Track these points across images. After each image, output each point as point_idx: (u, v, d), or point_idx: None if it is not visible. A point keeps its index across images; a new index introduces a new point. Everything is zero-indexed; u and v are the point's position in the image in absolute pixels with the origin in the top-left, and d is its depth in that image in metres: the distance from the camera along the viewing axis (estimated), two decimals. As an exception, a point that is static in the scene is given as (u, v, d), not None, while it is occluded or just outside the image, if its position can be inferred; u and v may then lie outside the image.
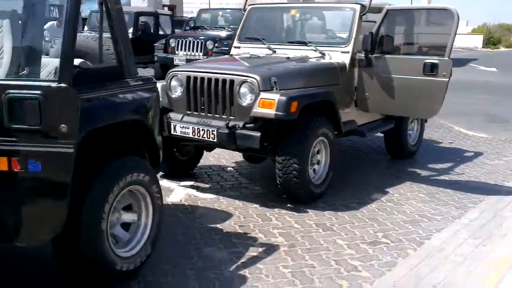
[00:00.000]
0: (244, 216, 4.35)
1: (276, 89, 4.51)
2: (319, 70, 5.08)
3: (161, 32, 14.50)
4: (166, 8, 32.89)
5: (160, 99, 4.88)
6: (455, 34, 4.86)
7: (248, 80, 4.52)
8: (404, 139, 6.27)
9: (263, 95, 4.43)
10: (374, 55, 5.24)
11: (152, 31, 14.33)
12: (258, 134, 4.36)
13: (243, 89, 4.57)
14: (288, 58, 5.21)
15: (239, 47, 6.03)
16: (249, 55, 5.50)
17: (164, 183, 5.15)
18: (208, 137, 4.57)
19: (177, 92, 4.94)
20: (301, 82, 4.81)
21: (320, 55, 5.43)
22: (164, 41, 12.62)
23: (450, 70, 4.90)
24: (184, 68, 4.99)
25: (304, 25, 6.05)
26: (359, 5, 5.46)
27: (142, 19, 14.02)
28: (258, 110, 4.41)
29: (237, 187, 5.14)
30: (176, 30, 15.29)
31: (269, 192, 4.99)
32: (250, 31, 6.13)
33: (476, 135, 8.13)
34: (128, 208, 3.25)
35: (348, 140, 7.03)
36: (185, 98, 4.86)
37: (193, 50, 12.10)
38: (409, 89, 5.10)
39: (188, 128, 4.67)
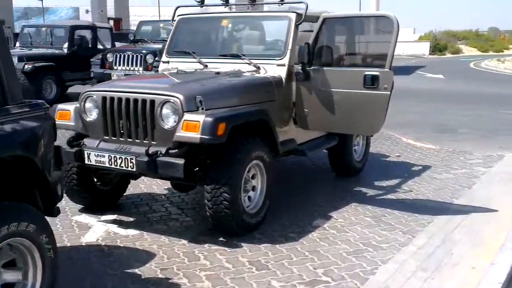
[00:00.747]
0: (169, 256, 3.81)
1: (202, 109, 4.02)
2: (251, 86, 4.62)
3: (100, 47, 13.78)
4: (111, 21, 32.14)
5: (73, 123, 4.41)
6: (395, 43, 4.51)
7: (171, 100, 4.00)
8: (349, 156, 5.89)
9: (187, 116, 3.92)
10: (312, 68, 4.84)
11: (90, 46, 13.61)
12: (181, 161, 3.85)
13: (165, 110, 4.05)
14: (217, 73, 4.73)
15: (167, 62, 5.51)
16: (175, 71, 4.99)
17: (81, 218, 4.56)
18: (127, 165, 4.02)
19: (92, 115, 4.37)
20: (231, 100, 4.33)
21: (254, 68, 4.98)
22: (101, 56, 11.95)
23: (392, 82, 4.54)
24: (100, 88, 4.42)
25: (238, 36, 5.59)
26: (294, 14, 5.05)
27: (78, 33, 13.28)
28: (181, 134, 3.90)
29: (165, 219, 4.59)
30: (118, 44, 14.63)
31: (201, 223, 4.47)
32: (180, 44, 5.62)
33: (424, 147, 7.88)
34: (10, 265, 2.66)
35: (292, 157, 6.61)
36: (101, 122, 4.29)
37: (132, 65, 11.46)
38: (349, 104, 4.71)
39: (104, 157, 4.10)
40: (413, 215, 4.73)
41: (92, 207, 4.77)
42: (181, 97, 3.99)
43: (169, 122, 4.04)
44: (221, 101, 4.24)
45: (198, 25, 5.78)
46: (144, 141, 4.14)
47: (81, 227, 4.35)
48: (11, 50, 11.67)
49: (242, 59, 5.08)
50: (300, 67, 4.82)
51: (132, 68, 11.42)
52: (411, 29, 63.64)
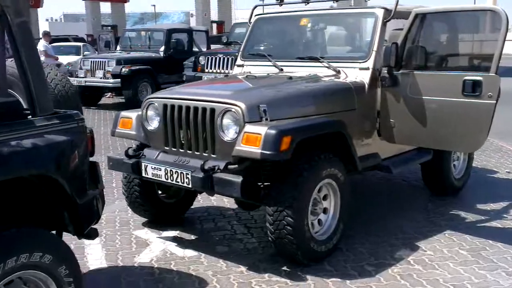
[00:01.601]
0: (222, 285, 3.38)
1: (266, 119, 3.55)
2: (327, 93, 4.06)
3: (196, 49, 13.85)
4: (214, 25, 32.73)
5: (134, 132, 4.15)
6: (504, 42, 3.71)
7: (232, 109, 3.58)
8: (447, 172, 5.09)
9: (248, 128, 3.47)
10: (400, 72, 4.17)
11: (185, 49, 13.71)
12: (239, 179, 3.40)
13: (226, 120, 3.63)
14: (290, 78, 4.22)
15: (242, 65, 5.11)
16: (245, 75, 4.57)
17: (142, 233, 4.29)
18: (182, 181, 3.65)
19: (154, 123, 4.07)
20: (302, 110, 3.80)
21: (333, 72, 4.42)
22: (193, 59, 11.92)
23: (498, 89, 3.75)
24: (161, 95, 4.11)
25: (317, 37, 5.04)
26: (382, 10, 4.41)
27: (175, 36, 13.43)
28: (241, 148, 3.45)
29: (229, 239, 4.18)
30: (214, 47, 14.62)
31: (266, 245, 3.99)
32: (256, 46, 5.21)
33: (543, 161, 6.78)
34: (25, 299, 2.37)
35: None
36: (162, 131, 3.97)
37: (223, 67, 11.29)
38: (445, 115, 3.98)
39: (160, 170, 3.76)
40: (523, 250, 3.90)
41: (156, 221, 4.49)
42: (242, 105, 3.54)
43: (229, 133, 3.61)
44: (290, 110, 3.73)
45: (276, 25, 5.32)
46: (204, 154, 3.75)
47: (139, 244, 4.06)
48: (111, 54, 12.03)
49: (320, 62, 4.53)
50: (386, 71, 4.17)
51: (223, 71, 11.25)
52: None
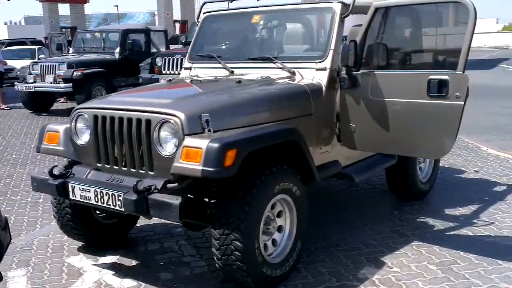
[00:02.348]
0: (161, 323, 2.94)
1: (209, 130, 3.11)
2: (280, 98, 3.64)
3: (154, 50, 13.29)
4: (178, 24, 32.08)
5: (62, 148, 3.66)
6: (472, 36, 3.37)
7: (170, 120, 3.12)
8: (412, 176, 4.76)
9: (187, 141, 3.02)
10: (360, 72, 3.79)
11: (143, 50, 13.16)
12: (176, 201, 2.94)
13: (163, 133, 3.17)
14: (238, 82, 3.79)
15: (189, 68, 4.67)
16: (189, 80, 4.12)
17: (76, 261, 3.80)
18: (114, 204, 3.18)
19: (84, 137, 3.57)
20: (251, 118, 3.38)
21: (288, 74, 4.01)
22: (150, 60, 11.38)
23: (466, 89, 3.41)
24: (91, 104, 3.61)
25: (270, 35, 4.63)
26: (339, 4, 4.03)
27: (131, 37, 12.86)
28: (180, 165, 3.00)
29: (174, 263, 3.72)
30: (173, 47, 14.09)
31: (216, 270, 3.54)
32: (205, 47, 4.76)
33: (510, 158, 6.54)
34: None
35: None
36: (94, 146, 3.49)
37: (182, 68, 10.78)
38: (409, 119, 3.62)
39: (89, 191, 3.28)
40: (496, 261, 3.57)
41: (94, 244, 4.00)
42: (181, 116, 3.09)
43: (168, 147, 3.16)
44: (237, 119, 3.30)
45: (226, 23, 4.88)
46: (141, 171, 3.29)
47: (71, 274, 3.57)
48: (62, 57, 11.37)
49: (274, 62, 4.12)
50: (345, 71, 3.79)
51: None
52: (494, 19, 59.60)
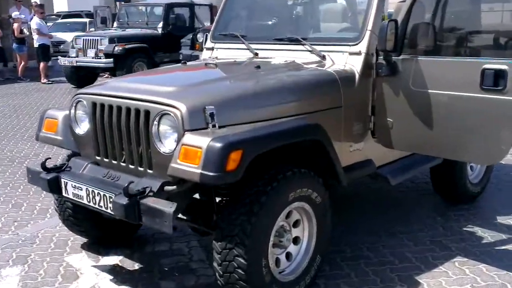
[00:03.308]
0: None
1: (214, 126, 2.65)
2: (302, 87, 3.11)
3: (199, 26, 12.90)
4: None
5: (60, 137, 3.31)
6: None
7: (170, 112, 2.69)
8: (461, 177, 4.14)
9: (187, 138, 2.58)
10: (401, 57, 3.22)
11: (187, 25, 12.78)
12: (170, 209, 2.52)
13: (163, 127, 2.75)
14: (257, 67, 3.29)
15: (212, 49, 4.20)
16: (204, 63, 3.66)
17: (75, 260, 3.49)
18: (106, 206, 2.80)
19: (83, 126, 3.21)
20: (266, 111, 2.88)
21: (317, 58, 3.48)
22: (191, 36, 11.00)
23: (530, 82, 2.79)
24: (91, 90, 3.22)
25: (300, 14, 4.07)
26: (380, -22, 3.43)
27: (174, 11, 12.50)
28: (177, 166, 2.57)
29: (180, 269, 3.34)
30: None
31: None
32: (229, 26, 4.28)
33: None
34: None
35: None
36: (93, 137, 3.12)
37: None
38: (458, 116, 3.03)
39: (81, 189, 2.92)
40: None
41: (99, 241, 3.68)
42: (182, 107, 2.65)
43: (167, 144, 2.73)
44: (248, 112, 2.82)
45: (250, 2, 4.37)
46: (139, 169, 2.89)
47: (67, 277, 3.25)
48: (104, 31, 11.11)
49: (302, 44, 3.60)
50: (383, 57, 3.22)
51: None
52: None
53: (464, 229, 3.84)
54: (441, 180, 4.23)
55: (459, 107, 3.00)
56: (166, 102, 2.73)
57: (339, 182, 3.09)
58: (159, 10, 12.72)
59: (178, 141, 2.65)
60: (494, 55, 3.00)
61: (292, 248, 2.92)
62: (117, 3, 23.91)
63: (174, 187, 2.68)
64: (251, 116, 2.81)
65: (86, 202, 2.90)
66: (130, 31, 12.03)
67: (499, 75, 2.81)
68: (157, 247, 3.66)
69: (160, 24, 12.20)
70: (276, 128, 2.74)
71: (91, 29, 17.23)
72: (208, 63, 3.60)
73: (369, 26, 3.36)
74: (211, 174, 2.44)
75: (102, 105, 3.02)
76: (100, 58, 11.16)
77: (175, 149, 2.65)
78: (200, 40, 10.60)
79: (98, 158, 3.12)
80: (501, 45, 3.26)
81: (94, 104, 3.07)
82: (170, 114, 2.69)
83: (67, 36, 18.37)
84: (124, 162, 2.98)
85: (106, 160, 3.08)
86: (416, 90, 3.17)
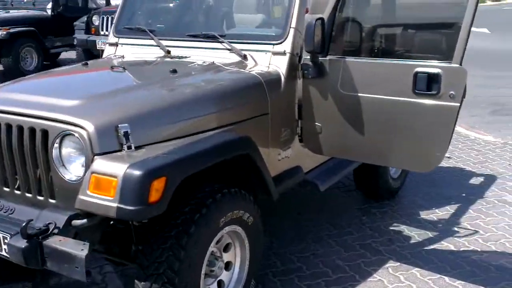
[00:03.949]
0: None
1: (129, 147, 2.26)
2: (226, 94, 2.78)
3: (93, 6, 11.95)
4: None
5: None
6: (473, 16, 2.60)
7: (73, 132, 2.26)
8: (384, 174, 4.09)
9: (97, 164, 2.17)
10: (328, 58, 3.00)
11: (80, 5, 11.80)
12: (82, 252, 2.11)
13: (66, 150, 2.31)
14: (173, 71, 2.91)
15: (115, 44, 3.72)
16: (110, 64, 3.20)
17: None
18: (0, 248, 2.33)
19: (-37, 146, 2.67)
20: (188, 124, 2.53)
21: (238, 58, 3.17)
22: (86, 18, 10.14)
23: (464, 86, 2.68)
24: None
25: (218, 6, 3.71)
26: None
27: (65, -10, 11.46)
28: (86, 198, 2.16)
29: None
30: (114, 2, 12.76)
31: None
32: (135, 17, 3.82)
33: (481, 139, 6.00)
34: None
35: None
36: (-24, 159, 2.60)
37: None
38: (388, 121, 2.87)
39: (-35, 225, 2.41)
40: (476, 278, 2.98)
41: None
42: (89, 127, 2.23)
43: (72, 169, 2.31)
44: (168, 128, 2.45)
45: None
46: (39, 198, 2.43)
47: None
48: None
49: (220, 42, 3.25)
50: (309, 57, 2.98)
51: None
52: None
53: (391, 228, 3.78)
54: (363, 177, 4.14)
55: (391, 111, 2.85)
56: (67, 120, 2.29)
57: (271, 195, 2.84)
58: (46, -12, 11.61)
59: (86, 165, 2.23)
60: (427, 57, 2.87)
61: (224, 275, 2.63)
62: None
63: (84, 220, 2.26)
64: (171, 132, 2.45)
65: (-27, 242, 2.39)
66: (14, 13, 10.87)
67: (432, 78, 2.67)
68: (64, 277, 3.20)
69: (49, 5, 11.12)
70: (201, 145, 2.40)
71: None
72: (114, 65, 3.14)
73: (293, 23, 3.10)
74: (130, 208, 2.06)
75: (-13, 123, 2.50)
76: (-20, 44, 9.96)
77: (83, 176, 2.24)
78: (96, 24, 9.82)
79: (-16, 185, 2.61)
80: (433, 47, 3.11)
81: (-24, 121, 2.54)
82: (74, 135, 2.26)
83: None
84: (18, 189, 2.50)
85: (-5, 187, 2.57)
86: (345, 93, 2.97)
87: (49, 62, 11.15)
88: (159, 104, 2.52)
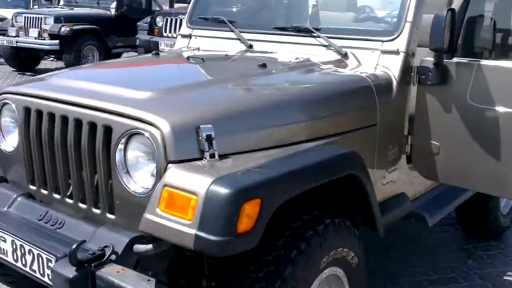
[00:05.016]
0: None
1: (212, 156, 1.73)
2: (331, 97, 2.22)
3: (156, 8, 11.75)
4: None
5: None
6: None
7: (144, 132, 1.75)
8: (494, 206, 3.41)
9: (171, 174, 1.66)
10: (455, 60, 2.40)
11: (143, 7, 11.61)
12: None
13: (133, 153, 1.81)
14: (263, 65, 2.37)
15: (189, 36, 3.23)
16: (186, 55, 2.70)
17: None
18: (42, 272, 1.82)
19: (10, 139, 2.23)
20: (283, 131, 1.99)
21: (337, 56, 2.61)
22: (149, 19, 9.88)
23: None
24: (22, 88, 2.21)
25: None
26: None
27: (129, -9, 11.30)
28: (154, 218, 1.64)
29: None
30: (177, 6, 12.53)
31: None
32: (210, 8, 3.34)
33: None
34: None
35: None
36: (24, 156, 2.14)
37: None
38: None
39: (5, 241, 1.94)
40: None
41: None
42: (164, 125, 1.72)
43: (139, 178, 1.81)
44: (259, 134, 1.92)
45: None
46: (94, 211, 1.94)
47: None
48: (49, 9, 9.70)
49: (314, 37, 2.70)
50: (434, 58, 2.39)
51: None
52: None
53: (505, 278, 3.09)
54: (469, 211, 3.46)
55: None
56: (137, 116, 1.79)
57: (375, 230, 2.25)
58: (110, -10, 11.49)
59: (157, 175, 1.73)
60: None
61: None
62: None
63: (149, 246, 1.74)
64: (261, 139, 1.91)
65: (12, 262, 1.93)
66: (79, 10, 10.77)
67: None
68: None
69: (114, 4, 10.97)
70: (304, 160, 1.83)
71: (34, 6, 15.70)
72: (191, 56, 2.63)
73: (409, 16, 2.51)
74: (213, 238, 1.53)
75: (40, 112, 2.05)
76: (44, 39, 9.86)
77: (152, 188, 1.73)
78: (160, 25, 9.53)
79: (32, 187, 2.16)
80: None
81: (27, 110, 2.10)
82: (144, 135, 1.76)
83: (7, 13, 16.70)
84: (70, 197, 2.03)
85: (44, 192, 2.12)
86: (476, 105, 2.36)
87: (109, 62, 10.98)
88: (249, 103, 1.99)
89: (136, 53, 10.59)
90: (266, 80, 2.26)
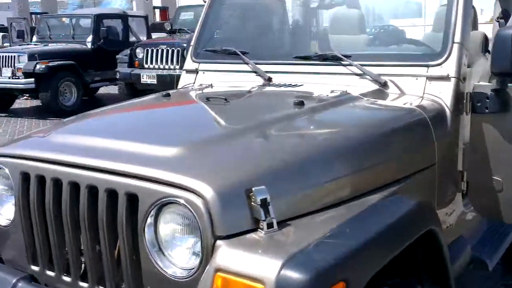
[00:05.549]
0: None
1: (271, 225, 1.36)
2: (386, 137, 1.88)
3: (133, 39, 11.40)
4: (157, 11, 29.85)
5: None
6: None
7: (180, 200, 1.38)
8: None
9: (225, 255, 1.29)
10: (514, 84, 2.10)
11: (120, 39, 11.24)
12: None
13: (167, 227, 1.44)
14: (299, 103, 2.02)
15: (195, 71, 2.87)
16: (203, 95, 2.34)
17: None
18: None
19: (5, 211, 1.83)
20: (339, 185, 1.63)
21: (376, 86, 2.28)
22: (129, 51, 9.52)
23: None
24: (19, 150, 1.82)
25: (330, 18, 2.85)
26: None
27: (105, 23, 10.94)
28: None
29: None
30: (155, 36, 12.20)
31: None
32: (218, 39, 3.00)
33: None
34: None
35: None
36: (23, 231, 1.75)
37: (167, 62, 9.00)
38: None
39: None
40: None
41: None
42: (207, 191, 1.36)
43: (177, 260, 1.43)
44: (315, 192, 1.56)
45: (252, 2, 3.12)
46: (119, 298, 1.55)
47: None
48: (22, 46, 9.24)
49: (344, 65, 2.38)
50: (497, 83, 2.08)
51: (166, 67, 8.96)
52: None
53: None
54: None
55: None
56: (169, 180, 1.42)
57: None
58: (86, 22, 11.09)
59: (202, 254, 1.35)
60: None
61: None
62: (33, 16, 21.78)
63: None
64: (322, 196, 1.56)
65: None
66: (53, 46, 10.32)
67: None
68: None
69: (90, 38, 10.57)
70: (381, 220, 1.48)
71: (5, 44, 15.22)
72: (209, 96, 2.25)
73: (457, 36, 2.21)
74: None
75: (42, 178, 1.66)
76: (18, 78, 9.37)
77: (197, 271, 1.36)
78: (140, 56, 9.20)
79: (34, 268, 1.76)
80: None
81: (25, 176, 1.70)
82: (180, 203, 1.39)
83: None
84: (85, 280, 1.63)
85: (49, 273, 1.72)
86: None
87: (87, 97, 10.56)
88: (302, 154, 1.63)
89: (117, 86, 10.21)
90: (311, 122, 1.91)
